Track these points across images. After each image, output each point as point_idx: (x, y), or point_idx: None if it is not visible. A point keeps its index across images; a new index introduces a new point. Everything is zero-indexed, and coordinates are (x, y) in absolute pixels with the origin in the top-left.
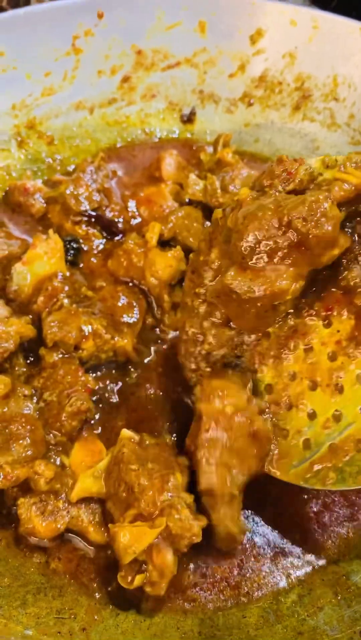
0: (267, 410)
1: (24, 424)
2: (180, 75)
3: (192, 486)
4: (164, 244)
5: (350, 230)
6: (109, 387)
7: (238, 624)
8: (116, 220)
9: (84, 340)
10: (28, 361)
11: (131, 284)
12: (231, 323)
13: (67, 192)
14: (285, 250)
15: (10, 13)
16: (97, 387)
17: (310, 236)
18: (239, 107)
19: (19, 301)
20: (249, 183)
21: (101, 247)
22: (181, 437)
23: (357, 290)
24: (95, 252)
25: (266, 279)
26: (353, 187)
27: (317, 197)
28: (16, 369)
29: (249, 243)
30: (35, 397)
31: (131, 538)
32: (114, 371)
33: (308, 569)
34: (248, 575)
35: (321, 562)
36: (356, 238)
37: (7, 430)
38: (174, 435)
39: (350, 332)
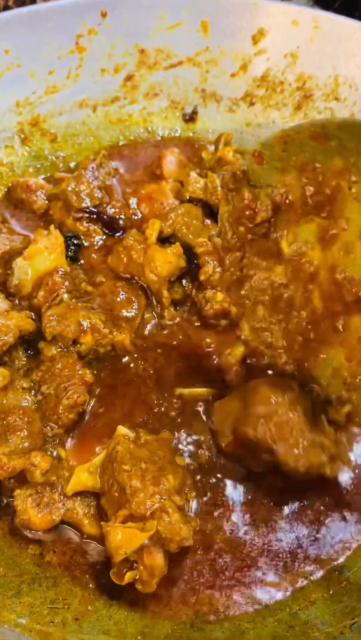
0: None
1: (21, 416)
2: (182, 74)
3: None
4: (164, 240)
5: None
6: (107, 381)
7: (229, 617)
8: (117, 217)
9: (82, 334)
10: (27, 354)
11: (130, 280)
12: None
13: (69, 189)
14: None
15: (14, 12)
16: (94, 380)
17: None
18: (241, 106)
19: (20, 295)
20: None
21: (102, 243)
22: (177, 432)
23: None
24: (95, 248)
25: None
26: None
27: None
28: (16, 362)
29: None
30: (33, 390)
31: (122, 539)
32: (112, 365)
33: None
34: (240, 571)
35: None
36: None
37: (4, 422)
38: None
39: None
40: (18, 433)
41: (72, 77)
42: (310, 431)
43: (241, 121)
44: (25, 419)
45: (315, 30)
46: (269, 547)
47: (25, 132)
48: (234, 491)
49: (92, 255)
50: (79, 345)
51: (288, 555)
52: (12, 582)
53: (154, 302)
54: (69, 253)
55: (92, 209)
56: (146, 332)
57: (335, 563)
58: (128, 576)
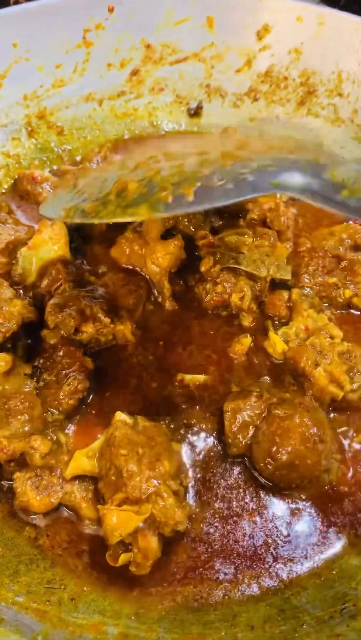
0: None
1: (22, 401)
2: (188, 70)
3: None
4: (167, 233)
5: None
6: (108, 369)
7: (222, 600)
8: None
9: (84, 323)
10: (29, 342)
11: (132, 271)
12: None
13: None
14: None
15: (23, 6)
16: (95, 368)
17: None
18: (245, 101)
19: (24, 285)
20: None
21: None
22: (175, 419)
23: None
24: (99, 239)
25: None
26: None
27: None
28: (18, 349)
29: None
30: (35, 377)
31: (117, 521)
32: (113, 354)
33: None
34: (234, 561)
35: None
36: None
37: (6, 406)
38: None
39: None
40: (19, 417)
41: (79, 71)
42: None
43: (245, 116)
44: (27, 403)
45: (320, 26)
46: (264, 536)
47: (32, 125)
48: (231, 479)
49: (95, 246)
50: (80, 334)
51: (282, 545)
52: (10, 562)
53: (156, 293)
54: (73, 244)
55: None
56: (148, 323)
57: (329, 552)
58: (123, 558)
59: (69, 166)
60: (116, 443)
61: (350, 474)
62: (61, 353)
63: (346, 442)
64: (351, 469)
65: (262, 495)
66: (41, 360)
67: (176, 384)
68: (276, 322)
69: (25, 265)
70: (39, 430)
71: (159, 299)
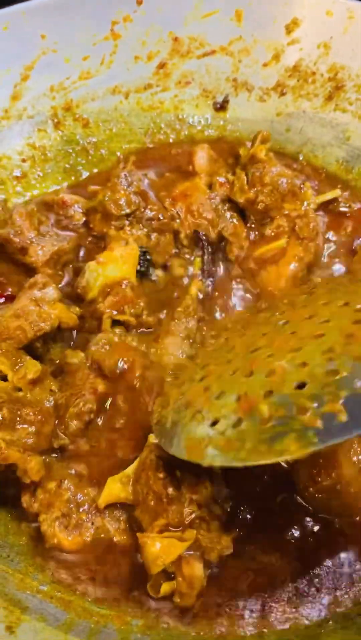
0: None
1: (37, 413)
2: (215, 63)
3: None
4: None
5: None
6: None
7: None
8: (158, 218)
9: (115, 369)
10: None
11: None
12: None
13: (106, 199)
14: None
15: None
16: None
17: None
18: (272, 96)
19: (86, 300)
20: (278, 182)
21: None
22: None
23: None
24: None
25: None
26: None
27: None
28: (50, 352)
29: None
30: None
31: (160, 549)
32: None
33: None
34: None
35: None
36: None
37: (18, 412)
38: None
39: None
40: (25, 426)
41: (106, 63)
42: None
43: (272, 111)
44: (40, 417)
45: (349, 20)
46: (306, 566)
47: (58, 117)
48: (272, 502)
49: None
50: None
51: (327, 577)
52: (35, 551)
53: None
54: (139, 267)
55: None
56: None
57: None
58: (165, 588)
59: (96, 187)
60: (153, 466)
61: None
62: (79, 375)
63: None
64: None
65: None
66: (58, 384)
67: None
68: None
69: (89, 279)
70: (41, 449)
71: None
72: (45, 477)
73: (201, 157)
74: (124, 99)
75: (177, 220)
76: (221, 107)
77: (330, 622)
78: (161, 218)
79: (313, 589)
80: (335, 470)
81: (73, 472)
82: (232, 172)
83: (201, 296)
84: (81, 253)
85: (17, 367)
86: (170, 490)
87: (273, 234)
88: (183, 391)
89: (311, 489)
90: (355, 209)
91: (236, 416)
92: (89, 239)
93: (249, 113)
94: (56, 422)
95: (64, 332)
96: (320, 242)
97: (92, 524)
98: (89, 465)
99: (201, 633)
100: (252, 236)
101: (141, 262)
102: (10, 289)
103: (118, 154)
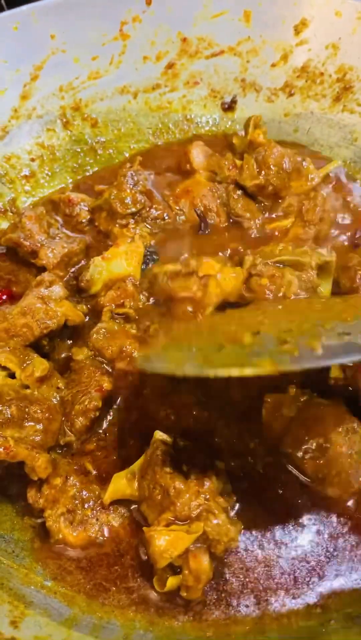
0: None
1: (44, 410)
2: (223, 64)
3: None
4: None
5: None
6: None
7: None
8: (163, 217)
9: (119, 359)
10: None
11: None
12: None
13: (111, 197)
14: None
15: None
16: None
17: None
18: (280, 96)
19: (88, 294)
20: (281, 162)
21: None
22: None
23: None
24: None
25: None
26: None
27: None
28: (57, 349)
29: None
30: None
31: (167, 543)
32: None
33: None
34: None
35: None
36: None
37: (26, 409)
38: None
39: None
40: (33, 424)
41: (114, 63)
42: None
43: (280, 111)
44: (47, 414)
45: (358, 21)
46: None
47: (67, 117)
48: (275, 499)
49: None
50: (111, 364)
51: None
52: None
53: None
54: (145, 267)
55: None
56: None
57: None
58: (171, 582)
59: (103, 186)
60: (160, 462)
61: None
62: (85, 373)
63: None
64: None
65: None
66: (65, 381)
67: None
68: None
69: (93, 274)
70: (48, 446)
71: None
72: (51, 473)
73: (197, 154)
74: (133, 99)
75: (182, 217)
76: (229, 107)
77: (332, 622)
78: (166, 218)
79: (314, 577)
80: (324, 434)
81: (78, 468)
82: (239, 157)
83: None
84: (90, 253)
85: (24, 365)
86: (177, 483)
87: (283, 213)
88: (173, 336)
89: (300, 452)
90: None
91: (220, 343)
92: (98, 238)
93: (257, 113)
94: (63, 419)
95: (70, 329)
96: (325, 227)
97: (97, 520)
98: (94, 461)
99: (205, 629)
100: (266, 216)
101: (148, 261)
102: (14, 288)
103: (126, 154)
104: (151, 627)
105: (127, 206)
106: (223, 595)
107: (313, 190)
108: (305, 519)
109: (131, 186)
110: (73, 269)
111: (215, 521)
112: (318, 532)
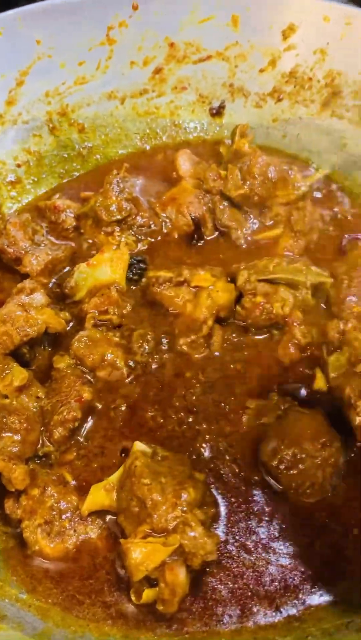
0: None
1: (22, 421)
2: (211, 69)
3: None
4: None
5: None
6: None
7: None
8: (149, 225)
9: (100, 368)
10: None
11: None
12: None
13: (97, 204)
14: None
15: (47, 2)
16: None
17: None
18: (268, 102)
19: (72, 300)
20: (267, 171)
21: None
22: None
23: None
24: None
25: None
26: None
27: None
28: (38, 357)
29: None
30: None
31: (143, 555)
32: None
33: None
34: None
35: None
36: None
37: (4, 420)
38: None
39: None
40: (10, 434)
41: (101, 68)
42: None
43: (268, 117)
44: (25, 424)
45: (346, 26)
46: (286, 566)
47: (53, 122)
48: (256, 509)
49: None
50: (92, 373)
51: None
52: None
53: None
54: (132, 276)
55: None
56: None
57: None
58: (147, 594)
59: (88, 192)
60: (137, 473)
61: None
62: (66, 383)
63: None
64: None
65: (292, 525)
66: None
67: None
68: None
69: (78, 281)
70: (26, 456)
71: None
72: (29, 484)
73: (183, 161)
74: (120, 104)
75: (168, 224)
76: (218, 112)
77: (309, 638)
78: (152, 225)
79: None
80: (300, 444)
81: (57, 479)
82: (223, 167)
83: None
84: (76, 260)
85: (3, 374)
86: (154, 495)
87: (272, 222)
88: None
89: (275, 461)
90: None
91: None
92: (84, 246)
93: (246, 119)
94: (42, 429)
95: (52, 337)
96: (314, 237)
97: (75, 531)
98: (74, 470)
99: None
100: (254, 226)
101: (135, 269)
102: None
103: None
104: None
105: (113, 214)
106: (201, 608)
107: (301, 200)
108: (282, 531)
109: (117, 193)
110: (57, 276)
111: (191, 533)
112: (295, 545)
